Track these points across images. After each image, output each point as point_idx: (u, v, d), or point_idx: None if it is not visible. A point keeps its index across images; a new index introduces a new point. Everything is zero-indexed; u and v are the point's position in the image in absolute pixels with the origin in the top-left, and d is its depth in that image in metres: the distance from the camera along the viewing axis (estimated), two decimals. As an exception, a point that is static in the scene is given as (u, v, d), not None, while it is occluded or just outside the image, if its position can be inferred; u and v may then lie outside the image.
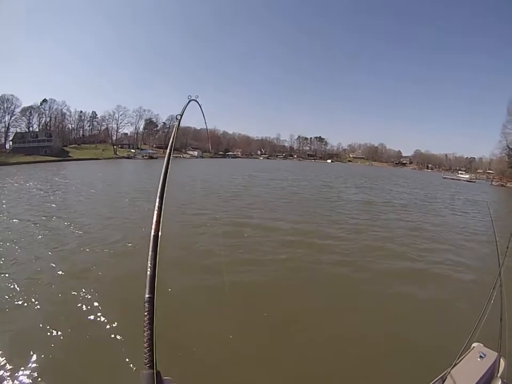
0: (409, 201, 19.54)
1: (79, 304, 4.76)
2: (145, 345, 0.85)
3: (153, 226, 1.00)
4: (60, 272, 5.95)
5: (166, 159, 1.15)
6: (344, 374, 3.58)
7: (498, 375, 1.95)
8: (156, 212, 1.03)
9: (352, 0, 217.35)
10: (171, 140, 1.24)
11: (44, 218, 10.36)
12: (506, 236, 2.27)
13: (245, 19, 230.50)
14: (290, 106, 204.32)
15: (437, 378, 1.89)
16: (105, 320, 4.35)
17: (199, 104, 1.55)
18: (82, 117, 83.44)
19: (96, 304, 4.77)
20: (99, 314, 4.49)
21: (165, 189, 1.08)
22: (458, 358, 1.93)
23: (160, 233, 1.00)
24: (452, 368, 1.88)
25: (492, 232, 2.39)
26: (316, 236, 9.33)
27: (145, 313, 0.88)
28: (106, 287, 5.42)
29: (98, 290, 5.19)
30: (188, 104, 1.43)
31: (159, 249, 0.98)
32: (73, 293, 5.10)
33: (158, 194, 1.06)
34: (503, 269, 2.09)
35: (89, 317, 4.43)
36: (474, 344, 2.21)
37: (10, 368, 3.38)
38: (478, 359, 2.06)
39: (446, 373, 1.87)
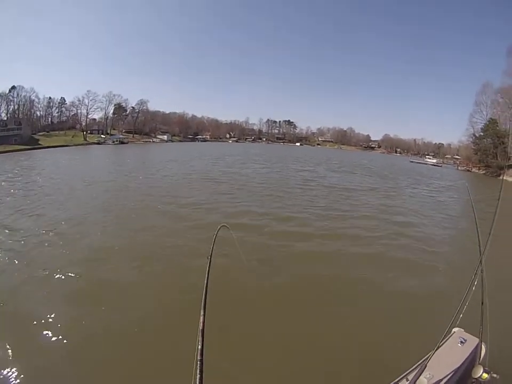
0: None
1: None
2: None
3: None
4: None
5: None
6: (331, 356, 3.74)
7: (480, 361, 1.91)
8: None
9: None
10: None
11: None
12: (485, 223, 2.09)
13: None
14: (261, 90, 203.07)
15: (418, 363, 1.89)
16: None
17: None
18: (51, 104, 78.72)
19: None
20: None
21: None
22: (440, 343, 1.92)
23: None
24: (433, 353, 1.87)
25: (472, 217, 2.25)
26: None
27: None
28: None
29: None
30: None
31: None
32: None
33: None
34: (484, 255, 2.05)
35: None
36: (454, 329, 2.21)
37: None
38: (459, 344, 2.09)
39: (427, 358, 1.86)
